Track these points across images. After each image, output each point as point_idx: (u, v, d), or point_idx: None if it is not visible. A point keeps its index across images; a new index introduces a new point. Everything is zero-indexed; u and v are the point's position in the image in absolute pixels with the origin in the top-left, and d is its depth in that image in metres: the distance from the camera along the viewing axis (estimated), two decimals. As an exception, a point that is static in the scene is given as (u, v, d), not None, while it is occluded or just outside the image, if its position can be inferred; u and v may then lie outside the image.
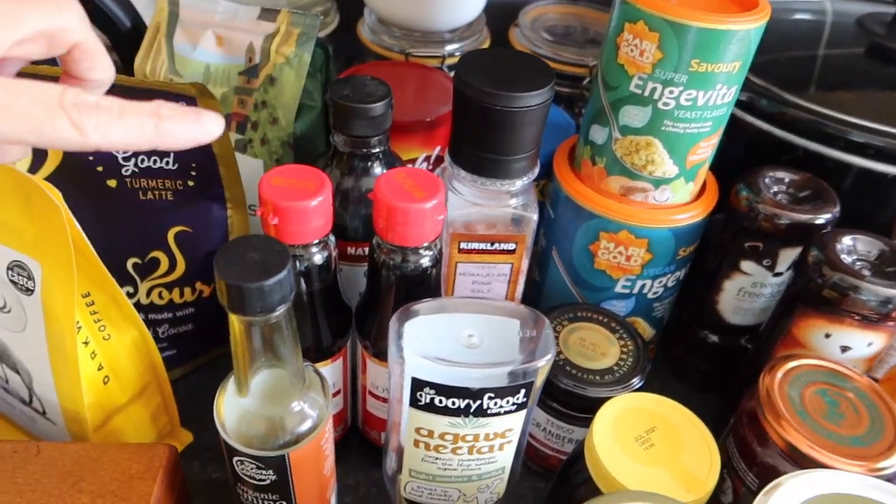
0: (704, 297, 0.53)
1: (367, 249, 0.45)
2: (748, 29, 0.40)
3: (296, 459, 0.35)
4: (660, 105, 0.42)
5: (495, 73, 0.40)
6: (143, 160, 0.44)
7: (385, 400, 0.44)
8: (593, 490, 0.38)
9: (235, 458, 0.36)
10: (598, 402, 0.41)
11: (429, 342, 0.34)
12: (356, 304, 0.43)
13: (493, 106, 0.39)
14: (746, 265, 0.49)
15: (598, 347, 0.46)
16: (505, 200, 0.44)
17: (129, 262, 0.46)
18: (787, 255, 0.48)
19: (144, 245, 0.46)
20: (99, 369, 0.40)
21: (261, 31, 0.47)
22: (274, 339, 0.32)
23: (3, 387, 0.43)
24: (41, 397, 0.41)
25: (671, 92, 0.41)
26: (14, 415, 0.46)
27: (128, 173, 0.44)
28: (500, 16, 0.68)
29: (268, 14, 0.48)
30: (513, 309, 0.36)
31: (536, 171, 0.44)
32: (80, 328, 0.38)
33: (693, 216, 0.47)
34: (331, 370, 0.42)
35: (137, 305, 0.46)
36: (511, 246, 0.45)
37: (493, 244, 0.45)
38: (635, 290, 0.50)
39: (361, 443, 0.49)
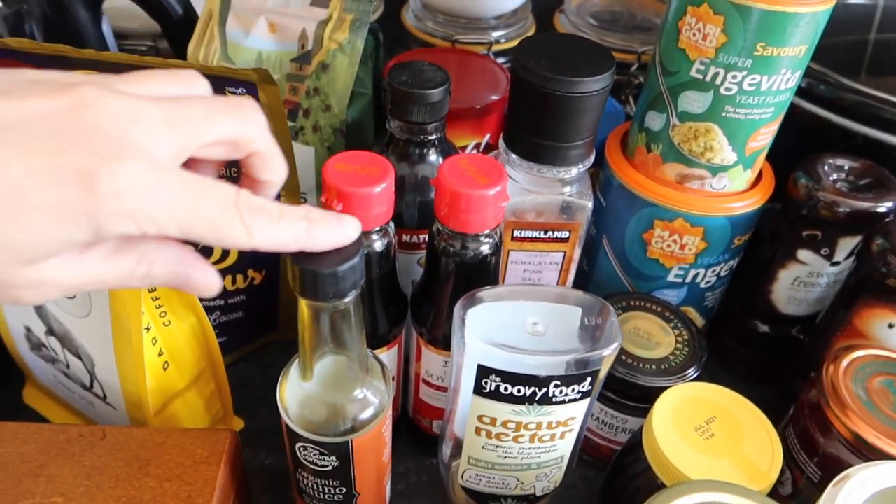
0: (757, 287, 0.52)
1: (421, 237, 0.45)
2: (815, 11, 0.39)
3: (358, 446, 0.35)
4: (722, 90, 0.41)
5: (555, 58, 0.40)
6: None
7: (438, 388, 0.44)
8: (651, 480, 0.38)
9: (298, 444, 0.36)
10: (652, 392, 0.40)
11: (493, 329, 0.33)
12: (412, 292, 0.43)
13: (553, 91, 0.39)
14: (803, 254, 0.48)
15: (652, 336, 0.45)
16: (558, 188, 0.43)
17: (185, 249, 0.46)
18: (846, 244, 0.47)
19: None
20: (159, 355, 0.40)
21: (313, 18, 0.47)
22: (341, 326, 0.32)
23: (64, 371, 0.44)
24: (103, 382, 0.42)
25: (734, 77, 0.41)
26: (74, 399, 0.46)
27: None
28: (545, 1, 0.67)
29: (320, 0, 0.47)
30: (576, 297, 0.35)
31: (592, 158, 0.43)
32: (142, 314, 0.39)
33: (750, 204, 0.47)
34: (385, 358, 0.42)
35: (191, 292, 0.46)
36: (565, 234, 0.45)
37: (546, 232, 0.44)
38: (688, 279, 0.50)
39: (412, 431, 0.49)
